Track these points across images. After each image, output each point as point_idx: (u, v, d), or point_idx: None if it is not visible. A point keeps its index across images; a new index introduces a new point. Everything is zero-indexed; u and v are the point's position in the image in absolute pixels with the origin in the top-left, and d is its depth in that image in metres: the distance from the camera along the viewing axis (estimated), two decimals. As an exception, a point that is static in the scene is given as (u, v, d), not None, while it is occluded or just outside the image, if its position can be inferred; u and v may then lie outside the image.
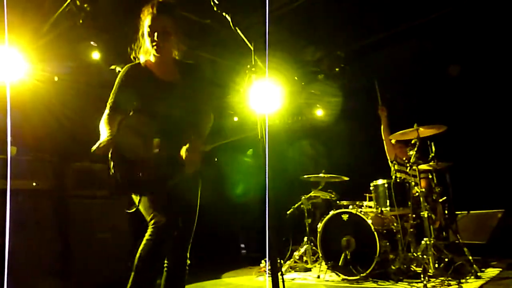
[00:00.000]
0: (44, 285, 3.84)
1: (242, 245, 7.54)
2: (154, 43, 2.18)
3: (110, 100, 2.24)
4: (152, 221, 2.03)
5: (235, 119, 7.21)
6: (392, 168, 4.76)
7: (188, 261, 2.29)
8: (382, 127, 5.40)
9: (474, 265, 3.92)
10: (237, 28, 1.97)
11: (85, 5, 3.64)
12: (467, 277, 3.80)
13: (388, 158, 5.31)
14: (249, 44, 1.94)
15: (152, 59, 2.27)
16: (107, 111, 2.22)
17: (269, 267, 1.91)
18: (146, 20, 2.21)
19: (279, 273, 1.92)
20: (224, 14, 2.02)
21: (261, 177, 2.02)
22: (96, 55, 4.79)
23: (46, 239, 4.01)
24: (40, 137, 4.41)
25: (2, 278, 3.13)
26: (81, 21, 3.67)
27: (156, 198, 2.08)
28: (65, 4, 3.63)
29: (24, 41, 3.76)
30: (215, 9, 2.05)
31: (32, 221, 3.88)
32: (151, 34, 2.18)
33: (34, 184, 4.00)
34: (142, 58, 2.31)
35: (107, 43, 4.79)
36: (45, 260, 3.94)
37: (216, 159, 7.07)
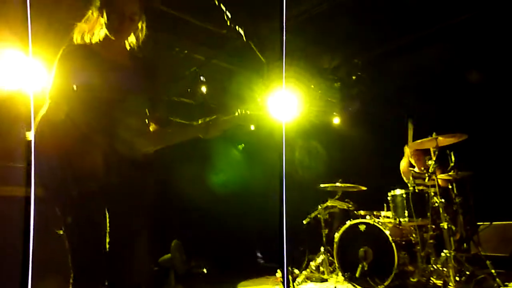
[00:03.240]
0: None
1: (259, 254, 7.51)
2: (114, 26, 1.95)
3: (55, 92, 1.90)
4: None
5: (252, 127, 7.21)
6: (410, 178, 4.68)
7: None
8: (404, 161, 5.23)
9: (497, 279, 3.79)
10: (249, 41, 1.97)
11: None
12: (490, 291, 3.69)
13: (403, 177, 5.22)
14: (261, 57, 1.94)
15: (103, 41, 2.02)
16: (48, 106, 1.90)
17: (283, 279, 1.88)
18: None
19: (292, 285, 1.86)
20: (237, 28, 2.02)
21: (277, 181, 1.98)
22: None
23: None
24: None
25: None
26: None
27: None
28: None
29: (47, 52, 3.85)
30: (228, 23, 2.05)
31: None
32: (115, 16, 1.95)
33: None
34: (87, 38, 2.06)
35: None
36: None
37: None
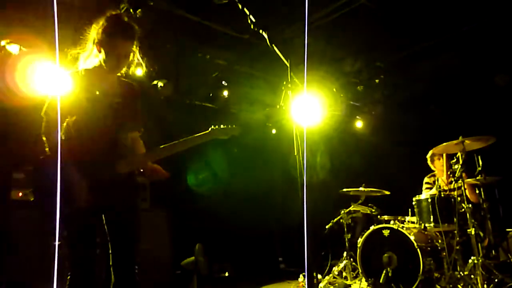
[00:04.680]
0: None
1: (280, 258, 7.48)
2: (113, 64, 2.21)
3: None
4: None
5: (273, 131, 7.23)
6: (436, 183, 4.58)
7: None
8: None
9: (528, 287, 3.68)
10: (273, 45, 1.98)
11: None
12: (520, 300, 3.57)
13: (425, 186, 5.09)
14: (285, 61, 1.95)
15: (95, 70, 2.26)
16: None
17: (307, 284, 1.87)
18: (109, 33, 2.17)
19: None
20: (261, 31, 2.03)
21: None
22: (139, 71, 4.96)
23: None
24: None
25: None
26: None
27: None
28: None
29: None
30: (252, 27, 2.07)
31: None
32: (114, 56, 2.19)
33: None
34: (82, 66, 2.30)
35: (149, 59, 4.97)
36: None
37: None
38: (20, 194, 4.04)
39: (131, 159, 2.25)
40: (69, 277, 2.09)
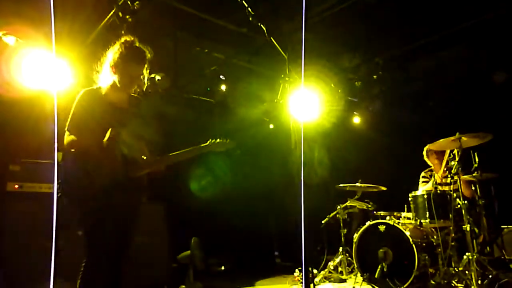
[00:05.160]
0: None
1: (276, 253, 7.51)
2: (126, 84, 2.56)
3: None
4: None
5: (271, 126, 7.21)
6: (433, 178, 4.59)
7: None
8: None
9: (522, 283, 3.70)
10: (271, 38, 1.97)
11: (127, 17, 3.78)
12: (514, 296, 3.60)
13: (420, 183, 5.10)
14: (283, 54, 1.94)
15: (111, 88, 2.59)
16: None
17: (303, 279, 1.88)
18: (124, 58, 2.52)
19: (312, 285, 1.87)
20: (259, 24, 2.03)
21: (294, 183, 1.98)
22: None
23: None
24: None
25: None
26: (123, 32, 3.80)
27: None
28: (108, 16, 3.79)
29: (70, 52, 3.94)
30: (250, 19, 2.07)
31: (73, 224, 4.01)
32: (127, 77, 2.55)
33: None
34: (101, 84, 2.62)
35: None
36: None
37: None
38: (16, 186, 4.02)
39: (141, 165, 2.56)
40: (83, 264, 2.39)
